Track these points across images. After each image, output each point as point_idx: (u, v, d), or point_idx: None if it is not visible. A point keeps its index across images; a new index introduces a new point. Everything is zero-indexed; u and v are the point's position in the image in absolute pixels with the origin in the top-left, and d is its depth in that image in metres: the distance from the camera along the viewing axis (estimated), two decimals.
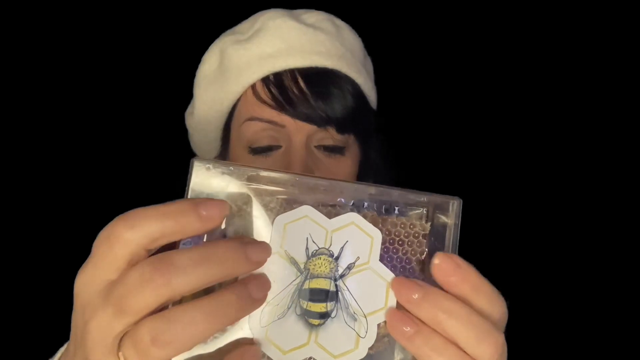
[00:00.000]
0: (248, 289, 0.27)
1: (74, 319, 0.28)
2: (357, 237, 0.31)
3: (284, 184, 0.31)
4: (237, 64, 0.58)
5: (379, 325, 0.30)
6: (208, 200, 0.28)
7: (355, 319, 0.30)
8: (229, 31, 0.63)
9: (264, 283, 0.28)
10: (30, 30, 1.38)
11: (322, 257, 0.30)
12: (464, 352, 0.28)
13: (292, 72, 0.56)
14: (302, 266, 0.30)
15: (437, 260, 0.29)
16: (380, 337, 0.30)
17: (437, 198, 0.32)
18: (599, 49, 1.59)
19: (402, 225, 0.31)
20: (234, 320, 0.27)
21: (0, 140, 1.29)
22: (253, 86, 0.57)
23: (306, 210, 0.31)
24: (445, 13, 1.58)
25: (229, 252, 0.26)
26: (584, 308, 1.46)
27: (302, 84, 0.55)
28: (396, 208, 0.32)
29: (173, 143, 0.76)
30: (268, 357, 0.29)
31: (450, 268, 0.29)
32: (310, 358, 0.29)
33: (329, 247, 0.31)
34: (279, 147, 0.57)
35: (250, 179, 0.30)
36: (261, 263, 0.28)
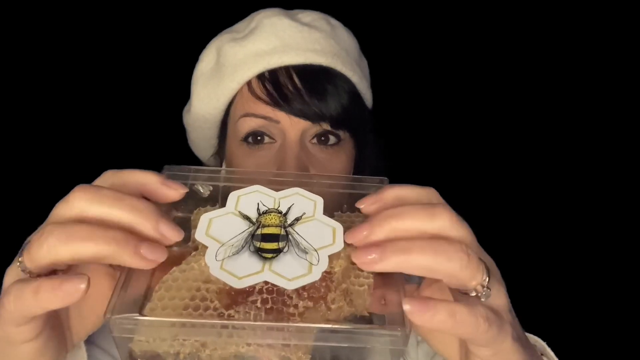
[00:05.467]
0: (140, 244, 0.29)
1: None
2: (301, 202, 0.35)
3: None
4: (232, 61, 0.58)
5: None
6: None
7: (306, 252, 0.31)
8: (226, 30, 0.64)
9: (157, 251, 0.29)
10: (27, 29, 1.39)
11: (272, 213, 0.34)
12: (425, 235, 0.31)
13: (287, 69, 0.57)
14: (254, 220, 0.33)
15: (361, 204, 0.34)
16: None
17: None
18: (587, 47, 1.60)
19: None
20: (112, 254, 0.28)
21: None
22: (249, 83, 0.58)
23: (257, 187, 0.36)
24: (441, 14, 1.59)
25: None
26: (582, 296, 1.45)
27: (296, 80, 0.56)
28: None
29: (171, 142, 0.77)
30: (228, 285, 0.30)
31: (372, 200, 0.33)
32: (265, 282, 0.30)
33: (277, 208, 0.35)
34: (273, 141, 0.57)
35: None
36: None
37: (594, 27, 1.59)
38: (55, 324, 0.32)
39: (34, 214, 0.36)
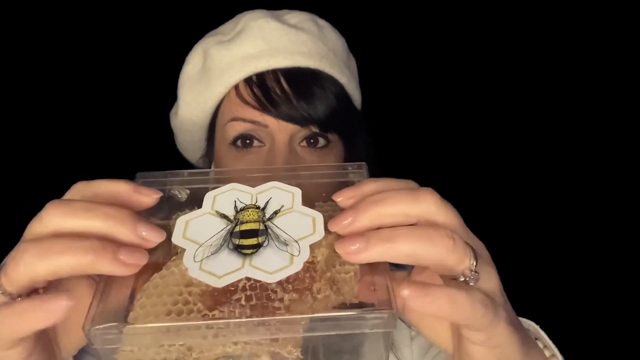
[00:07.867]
0: (118, 250, 0.28)
1: None
2: (279, 195, 0.35)
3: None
4: (219, 65, 0.58)
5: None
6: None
7: (287, 244, 0.31)
8: (212, 32, 0.64)
9: (136, 254, 0.29)
10: (21, 31, 1.37)
11: (250, 209, 0.33)
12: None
13: (275, 73, 0.56)
14: (232, 218, 0.33)
15: (339, 197, 0.33)
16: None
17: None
18: (564, 44, 1.60)
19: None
20: (90, 264, 0.28)
21: None
22: (236, 87, 0.57)
23: (233, 185, 0.35)
24: (431, 13, 1.58)
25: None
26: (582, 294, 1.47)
27: (284, 84, 0.56)
28: None
29: (160, 144, 0.77)
30: (206, 286, 0.30)
31: (350, 194, 0.32)
32: (246, 278, 0.30)
33: (255, 203, 0.34)
34: (262, 144, 0.57)
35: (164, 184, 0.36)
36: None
37: (577, 26, 1.59)
38: (44, 342, 0.32)
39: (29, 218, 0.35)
